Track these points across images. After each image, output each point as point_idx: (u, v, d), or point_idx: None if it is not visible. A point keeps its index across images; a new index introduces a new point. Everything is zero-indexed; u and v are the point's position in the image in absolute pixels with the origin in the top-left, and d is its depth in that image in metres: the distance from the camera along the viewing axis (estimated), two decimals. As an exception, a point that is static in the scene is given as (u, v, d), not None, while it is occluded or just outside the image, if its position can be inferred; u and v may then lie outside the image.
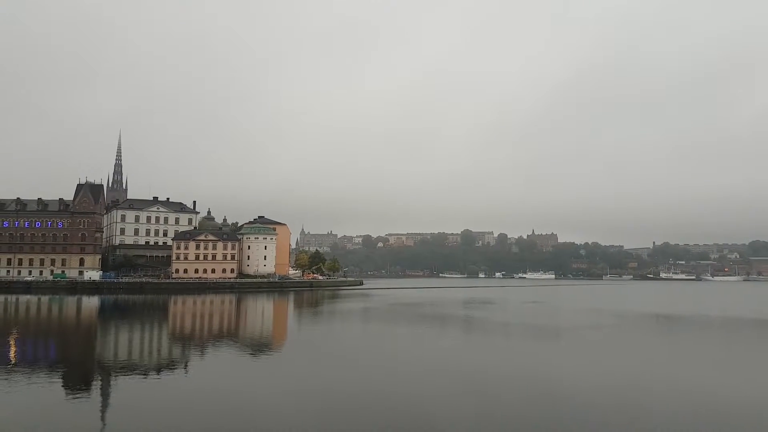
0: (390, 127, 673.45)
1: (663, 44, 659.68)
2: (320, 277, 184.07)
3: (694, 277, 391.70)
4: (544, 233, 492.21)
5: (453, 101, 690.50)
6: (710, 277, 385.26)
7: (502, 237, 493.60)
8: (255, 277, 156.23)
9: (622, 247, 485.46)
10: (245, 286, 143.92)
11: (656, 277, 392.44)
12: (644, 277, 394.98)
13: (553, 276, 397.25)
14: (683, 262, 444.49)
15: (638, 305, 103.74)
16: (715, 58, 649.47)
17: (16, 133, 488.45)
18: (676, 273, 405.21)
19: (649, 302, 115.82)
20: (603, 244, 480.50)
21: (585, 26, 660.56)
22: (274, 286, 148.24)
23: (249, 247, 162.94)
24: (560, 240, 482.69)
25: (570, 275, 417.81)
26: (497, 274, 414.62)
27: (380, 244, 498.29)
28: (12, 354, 39.03)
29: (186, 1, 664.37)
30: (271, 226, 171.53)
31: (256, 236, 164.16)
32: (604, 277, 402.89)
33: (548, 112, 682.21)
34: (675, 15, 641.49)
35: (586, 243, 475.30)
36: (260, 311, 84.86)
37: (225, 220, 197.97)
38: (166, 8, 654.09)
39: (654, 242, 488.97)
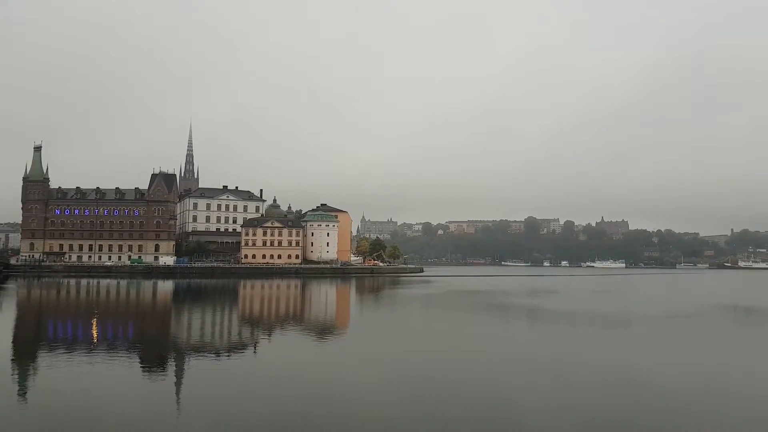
0: (466, 120, 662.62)
1: (757, 32, 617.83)
2: (381, 264, 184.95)
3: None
4: (613, 220, 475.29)
5: (535, 95, 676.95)
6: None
7: (569, 224, 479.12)
8: (318, 262, 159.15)
9: (697, 234, 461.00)
10: (309, 271, 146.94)
11: (734, 266, 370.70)
12: (721, 266, 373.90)
13: (623, 265, 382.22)
14: (764, 250, 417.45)
15: (715, 295, 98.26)
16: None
17: (95, 128, 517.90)
18: (756, 262, 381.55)
19: (727, 292, 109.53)
20: (677, 231, 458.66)
21: (684, 15, 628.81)
22: (336, 272, 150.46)
23: (312, 233, 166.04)
24: (631, 227, 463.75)
25: (641, 264, 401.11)
26: (563, 263, 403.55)
27: (440, 232, 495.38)
28: (94, 334, 41.33)
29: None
30: (333, 214, 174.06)
31: (319, 223, 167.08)
32: (677, 266, 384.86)
33: (638, 100, 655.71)
34: None
35: (659, 230, 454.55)
36: (324, 295, 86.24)
37: (289, 207, 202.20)
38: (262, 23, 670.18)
39: (732, 229, 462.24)
